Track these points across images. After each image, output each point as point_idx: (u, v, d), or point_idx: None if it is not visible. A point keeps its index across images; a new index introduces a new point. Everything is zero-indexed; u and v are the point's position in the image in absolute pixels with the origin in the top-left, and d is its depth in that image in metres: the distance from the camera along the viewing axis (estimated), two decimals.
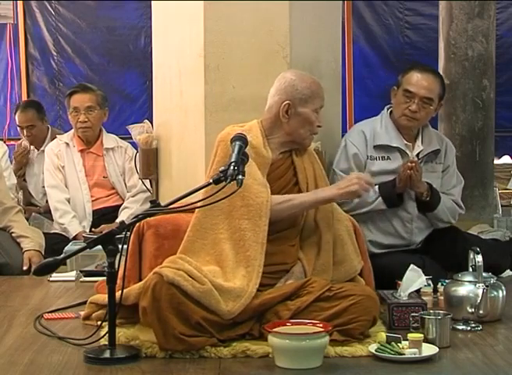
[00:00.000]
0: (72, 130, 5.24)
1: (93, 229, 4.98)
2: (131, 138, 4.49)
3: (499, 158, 8.09)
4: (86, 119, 5.11)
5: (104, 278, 2.92)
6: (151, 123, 4.38)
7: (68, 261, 4.13)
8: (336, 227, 3.32)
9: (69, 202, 5.08)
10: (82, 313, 3.37)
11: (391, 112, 4.05)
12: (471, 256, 3.36)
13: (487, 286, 3.24)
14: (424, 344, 2.86)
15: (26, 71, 8.17)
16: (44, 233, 4.68)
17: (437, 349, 2.87)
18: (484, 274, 3.28)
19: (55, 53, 8.20)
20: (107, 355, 2.85)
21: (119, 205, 5.11)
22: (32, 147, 5.69)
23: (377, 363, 2.81)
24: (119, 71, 8.26)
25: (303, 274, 3.20)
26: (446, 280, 3.56)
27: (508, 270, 4.17)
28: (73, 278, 4.20)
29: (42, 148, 5.53)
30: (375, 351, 2.85)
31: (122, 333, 2.99)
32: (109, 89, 7.32)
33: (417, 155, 3.99)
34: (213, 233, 3.14)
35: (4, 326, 3.32)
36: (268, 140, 3.29)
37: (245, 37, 3.88)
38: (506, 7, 8.11)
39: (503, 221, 5.51)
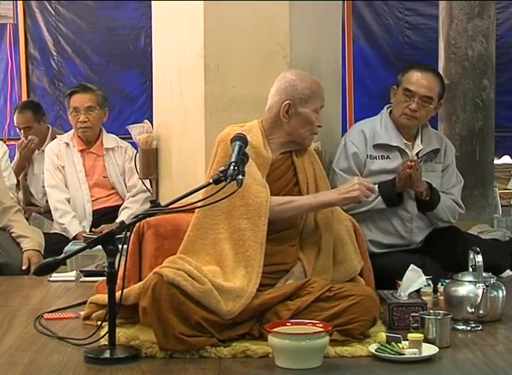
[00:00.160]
0: (72, 130, 5.24)
1: (93, 229, 4.98)
2: (131, 138, 4.49)
3: (499, 158, 8.09)
4: (86, 119, 5.11)
5: (104, 278, 2.92)
6: (151, 123, 4.38)
7: (68, 261, 4.13)
8: (336, 227, 3.32)
9: (69, 202, 5.08)
10: (82, 313, 3.37)
11: (391, 111, 4.05)
12: (471, 256, 3.36)
13: (487, 286, 3.24)
14: (424, 344, 2.86)
15: (26, 71, 8.17)
16: (44, 233, 4.67)
17: (437, 349, 2.87)
18: (484, 274, 3.28)
19: (55, 53, 8.20)
20: (107, 355, 2.85)
21: (119, 205, 5.11)
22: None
23: (377, 363, 2.81)
24: (119, 71, 8.26)
25: (303, 274, 3.20)
26: (446, 280, 3.56)
27: (508, 270, 4.17)
28: (73, 278, 4.20)
29: (42, 148, 5.53)
30: (375, 351, 2.85)
31: (122, 333, 2.99)
32: (109, 89, 7.32)
33: (417, 154, 3.99)
34: (213, 233, 3.14)
35: (4, 326, 3.32)
36: (269, 140, 3.29)
37: (245, 37, 3.88)
38: (506, 7, 8.11)
39: (503, 221, 5.51)
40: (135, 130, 4.39)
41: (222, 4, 3.88)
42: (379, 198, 3.89)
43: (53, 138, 5.44)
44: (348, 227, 3.38)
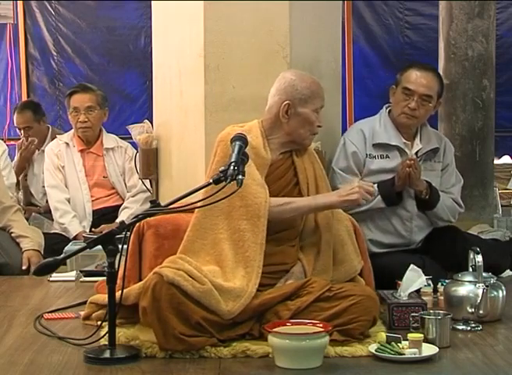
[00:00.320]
0: (72, 130, 5.24)
1: (93, 229, 4.98)
2: (131, 138, 4.49)
3: (499, 158, 8.09)
4: (86, 119, 5.11)
5: (104, 278, 2.92)
6: (151, 123, 4.38)
7: (68, 261, 4.13)
8: (335, 227, 3.32)
9: (69, 202, 5.08)
10: (82, 313, 3.37)
11: (390, 111, 4.06)
12: (471, 256, 3.36)
13: (487, 286, 3.24)
14: (424, 344, 2.86)
15: (26, 71, 8.17)
16: (44, 233, 4.67)
17: (437, 349, 2.88)
18: (484, 274, 3.28)
19: (55, 53, 8.20)
20: (107, 355, 2.85)
21: (119, 205, 5.11)
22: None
23: (377, 363, 2.81)
24: (119, 71, 8.25)
25: (303, 274, 3.20)
26: (446, 280, 3.56)
27: (508, 270, 4.17)
28: (73, 278, 4.20)
29: (42, 148, 5.53)
30: (375, 351, 2.85)
31: (122, 333, 2.99)
32: (109, 89, 7.32)
33: (416, 153, 3.99)
34: (213, 234, 3.14)
35: (4, 326, 3.32)
36: (269, 140, 3.29)
37: (245, 37, 3.88)
38: (506, 7, 8.11)
39: (503, 221, 5.51)
40: (135, 130, 4.39)
41: (222, 4, 3.88)
42: (379, 197, 3.89)
43: (53, 138, 5.45)
44: (348, 227, 3.38)
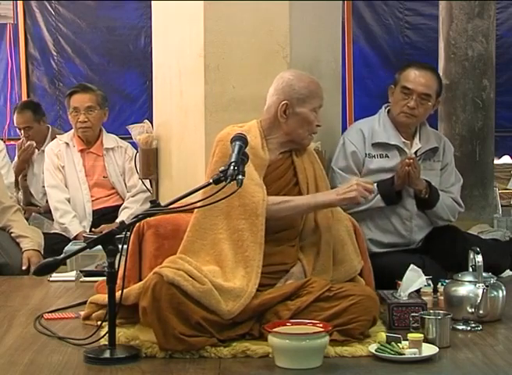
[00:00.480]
0: (72, 130, 5.24)
1: (93, 229, 4.98)
2: (131, 138, 4.49)
3: (499, 158, 8.09)
4: (86, 119, 5.11)
5: (104, 278, 2.92)
6: (151, 123, 4.38)
7: (68, 261, 4.13)
8: (335, 227, 3.32)
9: (69, 202, 5.08)
10: (82, 313, 3.37)
11: (389, 110, 4.06)
12: (471, 256, 3.36)
13: (487, 286, 3.24)
14: (424, 344, 2.86)
15: (26, 71, 8.17)
16: (44, 233, 4.67)
17: (437, 349, 2.88)
18: (484, 274, 3.28)
19: (55, 53, 8.20)
20: (107, 355, 2.85)
21: (119, 205, 5.11)
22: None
23: (377, 363, 2.81)
24: (119, 71, 8.25)
25: (302, 274, 3.20)
26: (446, 280, 3.56)
27: (508, 270, 4.17)
28: (73, 278, 4.20)
29: (42, 148, 5.53)
30: (375, 351, 2.85)
31: (122, 333, 2.99)
32: (109, 89, 7.32)
33: (416, 152, 4.00)
34: (212, 234, 3.14)
35: (4, 326, 3.32)
36: (267, 140, 3.29)
37: (245, 37, 3.88)
38: (506, 7, 8.11)
39: (503, 221, 5.51)
40: (135, 130, 4.39)
41: (222, 4, 3.88)
42: (378, 196, 3.89)
43: (53, 138, 5.45)
44: (348, 227, 3.38)
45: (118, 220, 4.78)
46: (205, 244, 3.13)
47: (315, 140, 3.52)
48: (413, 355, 2.81)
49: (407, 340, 2.87)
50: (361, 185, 3.17)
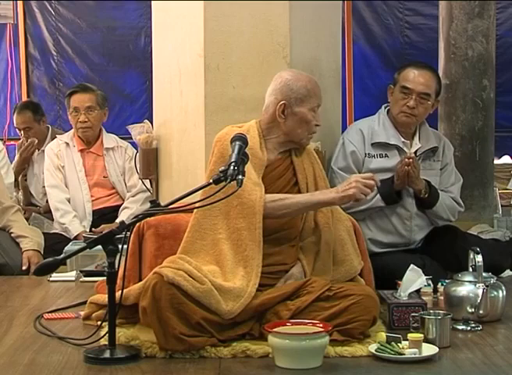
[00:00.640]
0: (72, 130, 5.24)
1: (93, 229, 4.98)
2: (131, 138, 4.48)
3: (499, 158, 8.09)
4: (86, 119, 5.12)
5: (104, 278, 2.92)
6: (151, 123, 4.38)
7: (68, 261, 4.14)
8: (335, 227, 3.32)
9: (69, 202, 5.08)
10: (82, 313, 3.38)
11: (388, 110, 4.06)
12: (471, 256, 3.36)
13: (487, 286, 3.24)
14: (424, 344, 2.86)
15: (26, 71, 8.17)
16: (44, 233, 4.68)
17: (437, 349, 2.87)
18: (484, 274, 3.28)
19: (55, 53, 8.20)
20: (107, 355, 2.85)
21: (119, 205, 5.11)
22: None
23: (377, 363, 2.81)
24: (119, 71, 8.25)
25: (302, 274, 3.20)
26: (446, 280, 3.56)
27: (508, 270, 4.17)
28: (73, 278, 4.21)
29: (42, 148, 5.53)
30: (375, 351, 2.85)
31: (122, 333, 2.99)
32: (109, 89, 7.31)
33: (415, 152, 3.99)
34: (212, 234, 3.14)
35: (4, 326, 3.32)
36: (266, 140, 3.29)
37: (245, 37, 3.88)
38: (506, 7, 8.11)
39: (503, 221, 5.51)
40: (135, 130, 4.39)
41: (222, 4, 3.88)
42: (378, 196, 3.89)
43: (53, 138, 5.45)
44: (348, 227, 3.38)
45: (118, 220, 4.79)
46: (205, 244, 3.13)
47: (315, 140, 3.52)
48: (413, 355, 2.81)
49: (407, 340, 2.87)
50: (361, 182, 3.16)
